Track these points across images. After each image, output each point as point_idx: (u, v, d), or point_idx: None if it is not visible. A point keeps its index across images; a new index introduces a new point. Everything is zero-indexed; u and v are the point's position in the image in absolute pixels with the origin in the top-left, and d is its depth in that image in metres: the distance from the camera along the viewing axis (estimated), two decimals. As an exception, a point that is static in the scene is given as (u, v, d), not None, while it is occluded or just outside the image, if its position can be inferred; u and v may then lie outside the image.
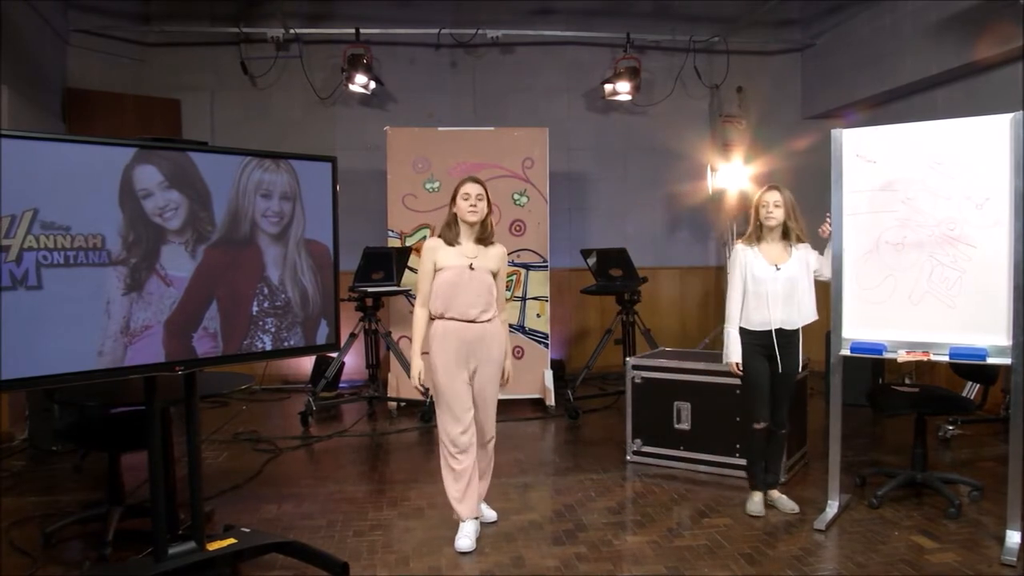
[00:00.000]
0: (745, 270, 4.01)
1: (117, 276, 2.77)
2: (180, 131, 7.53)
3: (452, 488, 3.70)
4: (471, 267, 3.66)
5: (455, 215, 3.72)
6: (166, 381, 3.04)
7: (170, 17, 7.58)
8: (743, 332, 4.04)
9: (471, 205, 3.66)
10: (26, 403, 5.49)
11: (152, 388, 3.01)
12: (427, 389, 3.77)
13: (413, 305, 6.53)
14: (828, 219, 3.95)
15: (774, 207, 3.96)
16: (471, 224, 3.70)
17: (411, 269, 6.49)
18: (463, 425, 3.65)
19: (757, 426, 4.07)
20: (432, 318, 3.72)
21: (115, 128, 6.90)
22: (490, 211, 3.76)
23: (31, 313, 2.57)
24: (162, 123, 7.34)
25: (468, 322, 3.66)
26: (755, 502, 4.11)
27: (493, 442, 3.88)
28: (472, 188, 3.68)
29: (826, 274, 3.99)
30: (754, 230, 4.05)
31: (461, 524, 3.71)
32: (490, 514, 4.01)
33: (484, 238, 3.75)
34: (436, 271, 3.69)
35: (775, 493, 4.19)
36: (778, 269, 3.95)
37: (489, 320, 3.71)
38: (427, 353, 3.72)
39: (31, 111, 6.23)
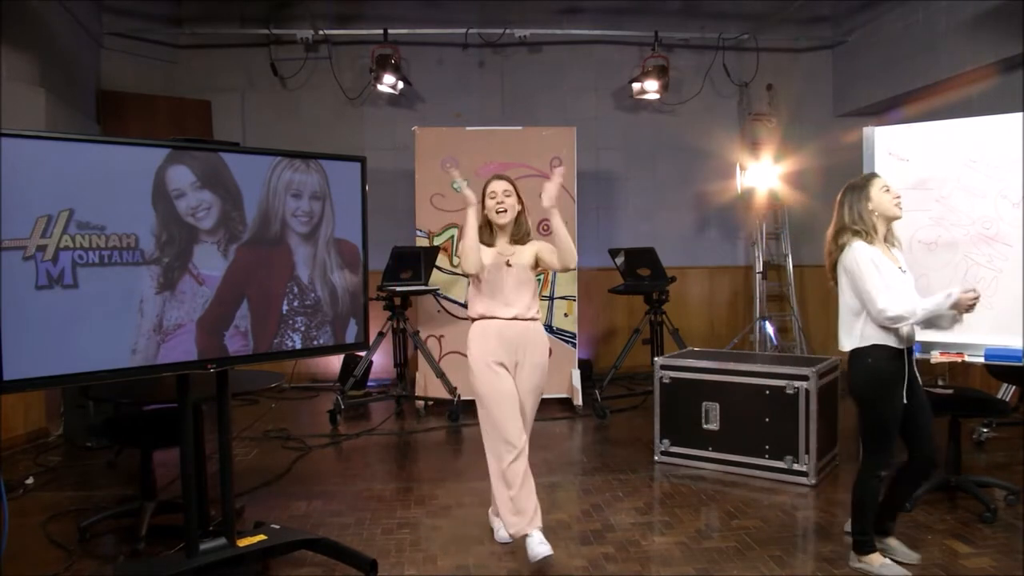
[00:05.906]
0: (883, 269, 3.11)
1: (150, 275, 2.81)
2: (211, 132, 7.61)
3: (507, 499, 3.34)
4: (508, 264, 3.50)
5: (486, 217, 3.55)
6: (198, 379, 3.07)
7: (201, 20, 7.68)
8: (884, 349, 3.13)
9: (498, 203, 3.48)
10: (61, 399, 5.59)
11: (184, 386, 3.05)
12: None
13: (441, 305, 6.60)
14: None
15: (896, 196, 3.18)
16: (502, 225, 3.52)
17: (439, 268, 6.51)
18: (515, 424, 3.35)
19: (884, 473, 3.25)
20: (472, 320, 3.55)
21: (148, 129, 7.01)
22: (523, 208, 3.56)
23: (67, 311, 2.62)
24: (194, 124, 7.42)
25: (508, 320, 3.47)
26: (888, 564, 3.25)
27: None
28: (498, 185, 3.50)
29: None
30: (871, 223, 3.16)
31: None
32: (544, 549, 3.29)
33: (519, 238, 3.56)
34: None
35: (892, 541, 3.42)
36: (903, 272, 3.21)
37: (532, 319, 3.51)
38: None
39: (67, 113, 6.34)
